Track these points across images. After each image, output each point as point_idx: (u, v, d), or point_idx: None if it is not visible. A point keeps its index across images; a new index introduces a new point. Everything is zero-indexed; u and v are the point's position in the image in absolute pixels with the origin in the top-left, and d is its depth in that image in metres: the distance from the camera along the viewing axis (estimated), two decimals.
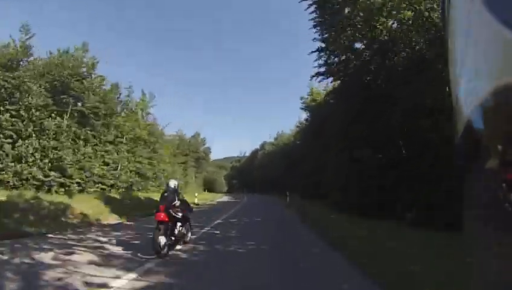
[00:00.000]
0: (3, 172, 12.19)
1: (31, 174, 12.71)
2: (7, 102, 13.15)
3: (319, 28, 14.13)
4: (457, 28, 0.51)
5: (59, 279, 4.16)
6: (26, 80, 13.44)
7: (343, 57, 14.21)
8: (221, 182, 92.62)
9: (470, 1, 0.42)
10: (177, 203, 6.42)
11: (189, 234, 7.22)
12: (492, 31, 0.35)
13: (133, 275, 4.48)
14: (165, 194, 6.52)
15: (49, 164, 13.46)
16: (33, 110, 13.58)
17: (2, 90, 13.02)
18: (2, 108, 12.92)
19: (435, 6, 9.70)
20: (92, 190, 15.55)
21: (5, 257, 5.28)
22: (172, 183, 6.71)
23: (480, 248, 0.39)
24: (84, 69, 17.58)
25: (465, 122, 0.40)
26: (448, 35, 0.54)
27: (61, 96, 15.28)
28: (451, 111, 0.53)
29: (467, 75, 0.42)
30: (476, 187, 0.39)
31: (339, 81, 15.83)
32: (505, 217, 0.32)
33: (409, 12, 10.93)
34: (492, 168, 0.34)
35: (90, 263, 5.17)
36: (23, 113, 13.35)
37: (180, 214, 6.38)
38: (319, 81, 18.56)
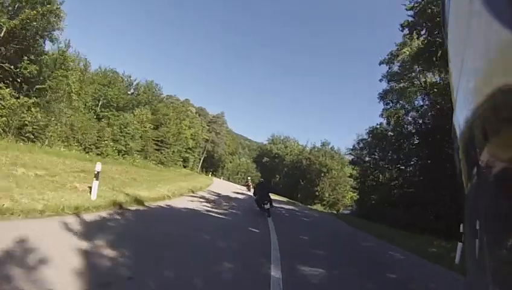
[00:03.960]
0: None
1: None
2: None
3: None
4: (456, 27, 0.51)
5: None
6: None
7: None
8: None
9: (469, 1, 0.42)
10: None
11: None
12: (492, 31, 0.35)
13: None
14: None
15: None
16: None
17: None
18: None
19: None
20: None
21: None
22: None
23: (478, 249, 0.39)
24: None
25: (465, 123, 0.40)
26: (448, 35, 0.54)
27: None
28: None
29: (467, 75, 0.42)
30: (476, 188, 0.39)
31: None
32: (505, 219, 0.32)
33: None
34: (492, 169, 0.33)
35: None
36: None
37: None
38: None
